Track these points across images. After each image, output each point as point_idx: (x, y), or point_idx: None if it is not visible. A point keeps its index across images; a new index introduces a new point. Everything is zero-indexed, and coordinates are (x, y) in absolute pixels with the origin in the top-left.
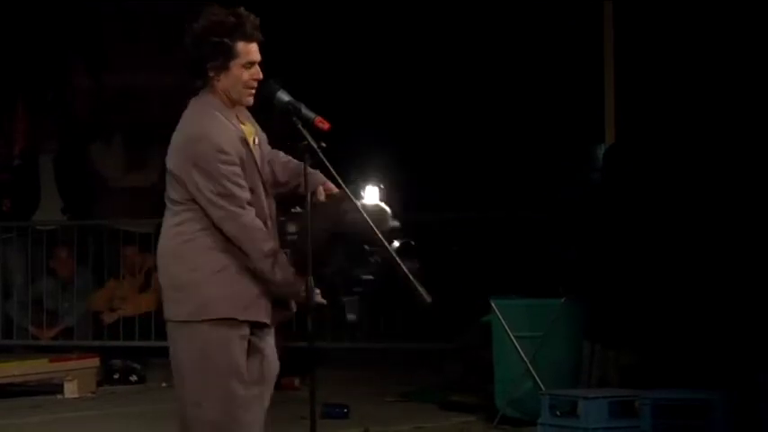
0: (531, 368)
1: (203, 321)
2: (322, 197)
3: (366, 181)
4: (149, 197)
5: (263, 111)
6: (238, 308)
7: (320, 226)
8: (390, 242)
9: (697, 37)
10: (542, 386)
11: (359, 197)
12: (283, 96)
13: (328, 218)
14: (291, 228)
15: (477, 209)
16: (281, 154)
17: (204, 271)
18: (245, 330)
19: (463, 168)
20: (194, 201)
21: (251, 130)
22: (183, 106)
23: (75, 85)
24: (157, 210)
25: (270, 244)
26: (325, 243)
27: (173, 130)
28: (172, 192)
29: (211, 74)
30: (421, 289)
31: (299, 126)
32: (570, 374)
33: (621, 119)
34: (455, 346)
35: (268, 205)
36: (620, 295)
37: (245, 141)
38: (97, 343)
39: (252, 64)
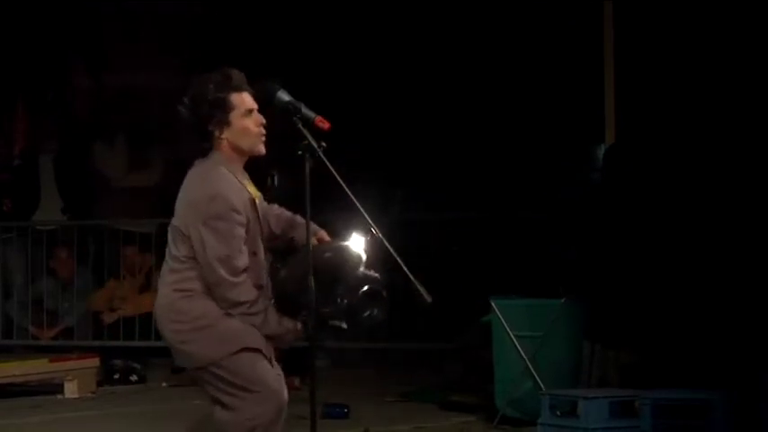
0: (531, 368)
1: (231, 354)
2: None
3: (355, 228)
4: (150, 197)
5: (263, 110)
6: (255, 341)
7: (303, 269)
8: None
9: (697, 37)
10: (542, 386)
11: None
12: (283, 96)
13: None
14: (282, 273)
15: (477, 209)
16: (275, 206)
17: (210, 317)
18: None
19: (463, 168)
20: (195, 258)
21: (256, 193)
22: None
23: (75, 85)
24: (158, 210)
25: (257, 306)
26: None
27: (173, 130)
28: (174, 248)
29: (216, 133)
30: (421, 289)
31: (300, 126)
32: (570, 374)
33: (621, 119)
34: (455, 346)
35: (264, 263)
36: (620, 295)
37: (253, 202)
38: (97, 343)
39: (250, 111)
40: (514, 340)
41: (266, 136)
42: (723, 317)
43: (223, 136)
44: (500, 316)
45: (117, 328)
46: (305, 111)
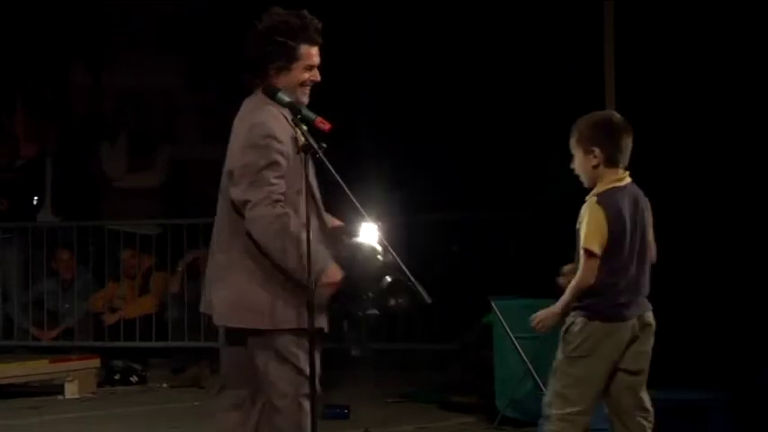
0: (531, 368)
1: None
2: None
3: (363, 218)
4: (152, 198)
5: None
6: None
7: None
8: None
9: (697, 37)
10: (543, 386)
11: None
12: (284, 97)
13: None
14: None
15: (477, 209)
16: None
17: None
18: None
19: (464, 168)
20: None
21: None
22: (184, 105)
23: (75, 84)
24: (160, 211)
25: (279, 223)
26: None
27: (173, 129)
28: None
29: (272, 73)
30: (421, 289)
31: (300, 127)
32: None
33: None
34: (455, 346)
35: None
36: None
37: (295, 140)
38: (98, 344)
39: (312, 67)
40: (514, 341)
41: None
42: (723, 317)
43: (277, 79)
44: (500, 316)
45: (117, 328)
46: (305, 112)
